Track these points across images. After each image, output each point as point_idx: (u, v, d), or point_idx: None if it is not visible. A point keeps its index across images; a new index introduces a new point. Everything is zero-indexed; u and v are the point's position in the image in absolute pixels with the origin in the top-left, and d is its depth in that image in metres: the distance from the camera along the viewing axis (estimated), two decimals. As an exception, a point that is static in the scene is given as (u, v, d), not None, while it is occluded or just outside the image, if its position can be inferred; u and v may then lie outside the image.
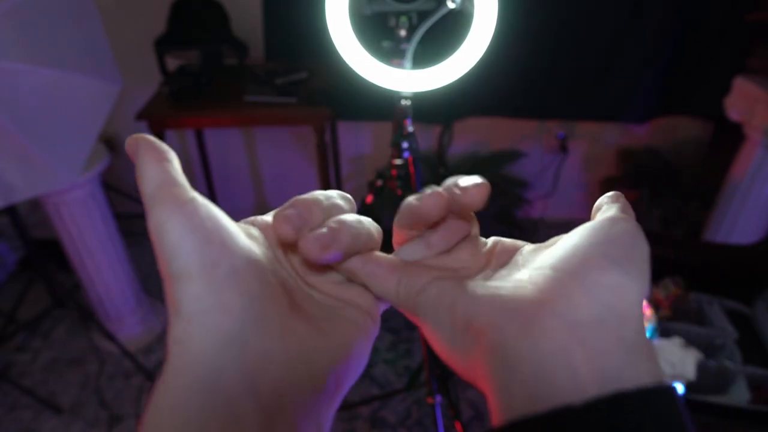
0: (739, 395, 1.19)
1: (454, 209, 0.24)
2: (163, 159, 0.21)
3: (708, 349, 1.29)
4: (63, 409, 1.62)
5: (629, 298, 0.19)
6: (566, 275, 0.19)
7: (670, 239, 1.70)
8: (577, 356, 0.17)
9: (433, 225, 0.25)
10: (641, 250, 0.20)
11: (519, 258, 0.24)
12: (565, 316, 0.18)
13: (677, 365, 1.21)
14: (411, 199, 0.24)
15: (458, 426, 1.36)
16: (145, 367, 1.71)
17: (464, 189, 0.24)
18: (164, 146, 0.21)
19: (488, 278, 0.23)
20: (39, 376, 1.72)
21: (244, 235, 0.21)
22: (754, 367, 1.23)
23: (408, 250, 0.26)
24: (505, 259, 0.24)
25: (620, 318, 0.18)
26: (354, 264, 0.24)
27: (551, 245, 0.22)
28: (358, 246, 0.24)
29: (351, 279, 0.25)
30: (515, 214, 2.17)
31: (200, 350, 0.18)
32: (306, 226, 0.22)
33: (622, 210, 0.22)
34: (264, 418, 0.18)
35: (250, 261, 0.20)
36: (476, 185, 0.24)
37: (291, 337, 0.20)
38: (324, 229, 0.22)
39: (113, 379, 1.72)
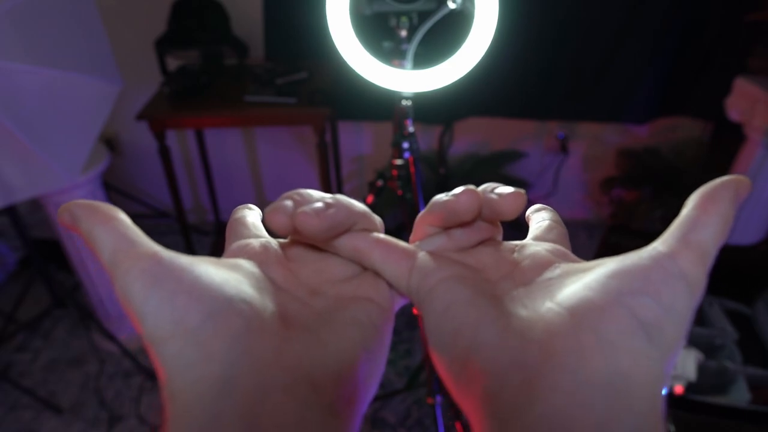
0: (739, 395, 1.19)
1: (485, 214, 0.23)
2: (110, 219, 0.19)
3: (708, 349, 1.29)
4: (63, 409, 1.62)
5: (646, 365, 0.17)
6: (583, 328, 0.17)
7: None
8: (579, 419, 0.16)
9: (460, 227, 0.25)
10: (678, 318, 0.17)
11: (548, 277, 0.21)
12: (572, 373, 0.16)
13: (677, 365, 1.21)
14: (443, 195, 0.23)
15: (458, 426, 1.36)
16: (145, 367, 1.71)
17: (501, 194, 0.23)
18: (104, 204, 0.20)
19: (507, 293, 0.21)
20: (39, 376, 1.72)
21: (220, 271, 0.20)
22: (754, 368, 1.23)
23: (427, 240, 0.25)
24: (532, 276, 0.22)
25: (632, 385, 0.16)
26: (366, 244, 0.23)
27: (587, 270, 0.20)
28: (355, 216, 0.23)
29: (361, 264, 0.24)
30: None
31: (193, 403, 0.17)
32: (299, 207, 0.22)
33: (690, 243, 0.18)
34: None
35: (225, 299, 0.19)
36: (515, 193, 0.23)
37: (287, 358, 0.19)
38: (318, 203, 0.22)
39: (113, 379, 1.72)
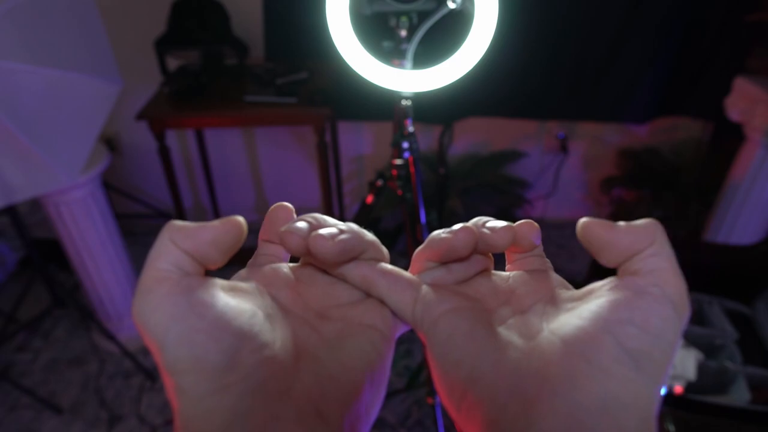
0: (739, 395, 1.19)
1: (479, 247, 0.24)
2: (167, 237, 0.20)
3: (708, 349, 1.29)
4: (63, 409, 1.62)
5: (637, 391, 0.18)
6: (575, 355, 0.19)
7: (670, 239, 1.70)
8: None
9: (457, 262, 0.26)
10: (665, 344, 0.19)
11: (542, 304, 0.23)
12: (566, 398, 0.18)
13: (677, 365, 1.21)
14: (440, 232, 0.24)
15: (458, 426, 1.36)
16: (145, 367, 1.71)
17: (493, 229, 0.24)
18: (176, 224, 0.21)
19: (505, 321, 0.23)
20: (39, 376, 1.72)
21: (235, 301, 0.21)
22: (754, 368, 1.23)
23: (428, 273, 0.26)
24: (528, 302, 0.24)
25: (623, 408, 0.17)
26: (373, 273, 0.24)
27: (578, 298, 0.22)
28: (365, 244, 0.24)
29: (368, 292, 0.25)
30: (515, 214, 2.17)
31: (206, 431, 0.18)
32: (313, 230, 0.23)
33: (657, 266, 0.20)
34: None
35: (240, 335, 0.19)
36: (506, 227, 0.24)
37: (296, 389, 0.20)
38: (332, 228, 0.23)
39: (113, 379, 1.72)
